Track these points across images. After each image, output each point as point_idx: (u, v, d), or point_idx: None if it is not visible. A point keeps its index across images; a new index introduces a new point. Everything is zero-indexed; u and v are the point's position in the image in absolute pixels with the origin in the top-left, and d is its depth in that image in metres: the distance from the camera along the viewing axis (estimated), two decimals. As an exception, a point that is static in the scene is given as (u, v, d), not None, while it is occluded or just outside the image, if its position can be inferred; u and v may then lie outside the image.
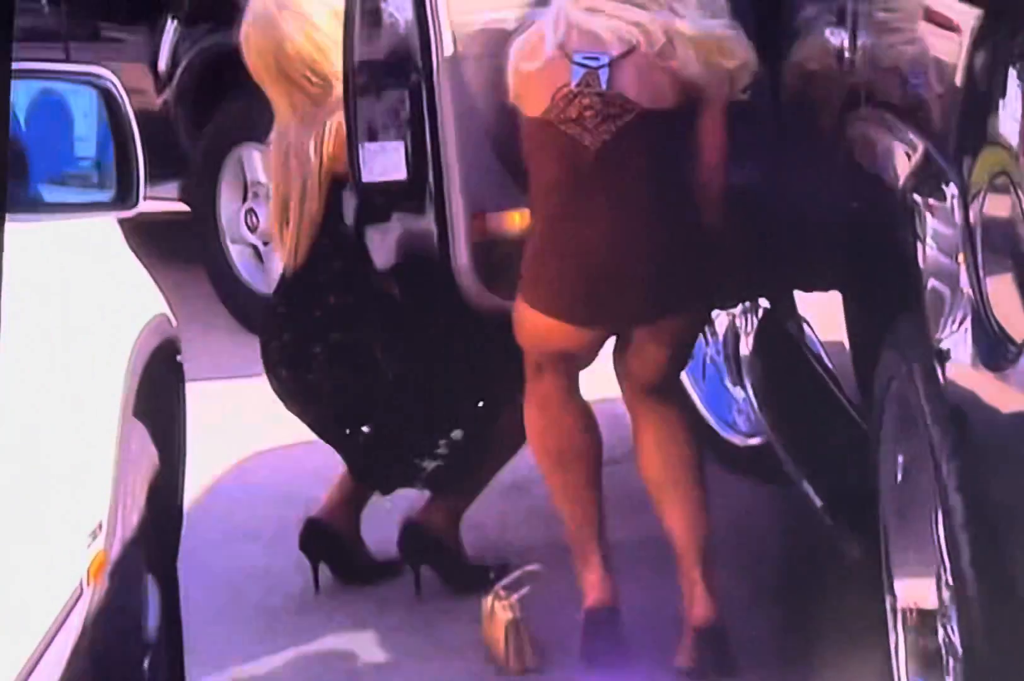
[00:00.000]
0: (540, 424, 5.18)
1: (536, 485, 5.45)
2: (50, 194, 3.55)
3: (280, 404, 6.04)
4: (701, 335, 6.60)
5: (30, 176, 3.44)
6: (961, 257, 3.88)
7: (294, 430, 6.48)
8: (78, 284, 3.91)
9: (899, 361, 3.94)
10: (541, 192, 4.82)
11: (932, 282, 4.01)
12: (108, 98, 3.39)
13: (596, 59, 4.62)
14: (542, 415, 5.18)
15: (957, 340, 3.79)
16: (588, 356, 5.04)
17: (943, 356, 3.81)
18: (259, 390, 6.24)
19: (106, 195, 3.51)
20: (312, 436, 6.17)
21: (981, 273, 3.76)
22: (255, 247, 8.30)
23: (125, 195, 3.48)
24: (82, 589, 3.53)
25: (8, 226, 2.37)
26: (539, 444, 5.23)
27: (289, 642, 5.53)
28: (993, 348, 3.73)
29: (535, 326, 4.85)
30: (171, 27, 8.46)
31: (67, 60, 8.18)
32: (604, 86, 4.67)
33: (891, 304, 4.11)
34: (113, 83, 3.46)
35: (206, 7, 8.65)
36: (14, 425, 3.44)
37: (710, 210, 4.80)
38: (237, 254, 8.40)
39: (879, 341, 4.15)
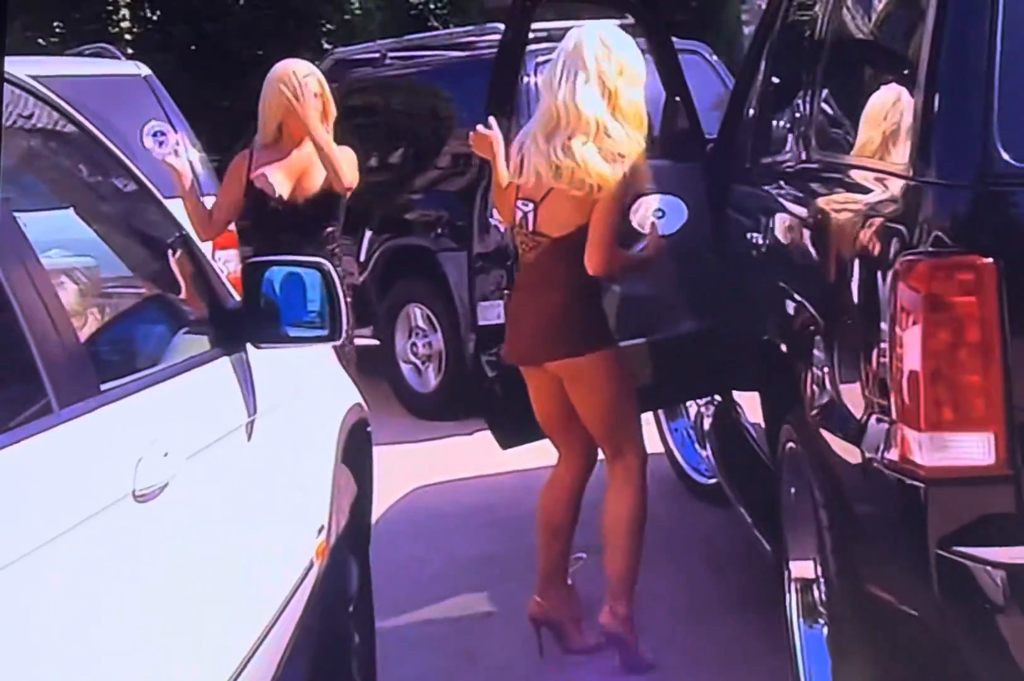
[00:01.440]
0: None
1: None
2: (292, 332, 3.43)
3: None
4: (683, 413, 6.32)
5: (281, 322, 3.38)
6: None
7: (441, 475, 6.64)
8: (314, 384, 3.96)
9: (790, 433, 3.87)
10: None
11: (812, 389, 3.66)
12: (325, 275, 3.38)
13: (527, 205, 4.38)
14: None
15: (824, 416, 3.54)
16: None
17: (816, 429, 3.57)
18: (415, 450, 6.54)
19: (323, 332, 3.43)
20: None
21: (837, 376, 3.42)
22: (416, 365, 8.41)
23: (334, 333, 3.42)
24: (312, 564, 3.62)
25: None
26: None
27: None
28: (844, 422, 3.34)
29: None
30: (368, 235, 8.35)
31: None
32: (531, 227, 4.39)
33: (785, 402, 3.89)
34: (329, 266, 3.42)
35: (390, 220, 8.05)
36: (281, 469, 3.58)
37: (606, 271, 4.35)
38: (406, 370, 8.31)
39: (782, 417, 3.94)
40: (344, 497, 3.88)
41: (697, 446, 6.21)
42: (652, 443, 6.21)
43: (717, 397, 5.63)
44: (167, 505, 2.58)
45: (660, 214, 4.72)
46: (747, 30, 14.65)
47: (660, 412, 6.33)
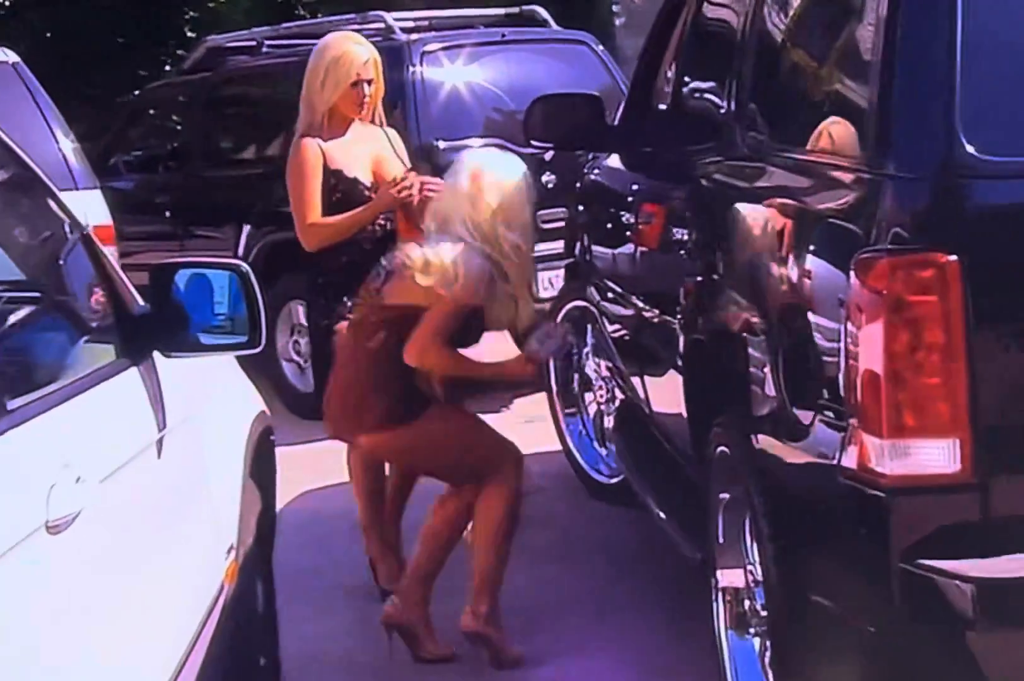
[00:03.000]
0: None
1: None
2: (205, 339, 3.20)
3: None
4: (582, 410, 6.19)
5: (191, 328, 3.15)
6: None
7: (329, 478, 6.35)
8: (220, 392, 3.80)
9: (724, 435, 3.72)
10: None
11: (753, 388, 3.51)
12: (243, 277, 3.16)
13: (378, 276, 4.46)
14: None
15: (766, 420, 3.40)
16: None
17: (756, 433, 3.44)
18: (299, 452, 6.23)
19: (242, 339, 3.21)
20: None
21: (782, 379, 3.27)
22: (299, 364, 8.19)
23: (254, 339, 3.19)
24: (223, 586, 3.47)
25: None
26: None
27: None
28: (791, 426, 3.21)
29: None
30: (247, 229, 8.17)
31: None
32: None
33: (714, 404, 3.77)
34: (247, 269, 3.20)
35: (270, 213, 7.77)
36: (192, 488, 3.42)
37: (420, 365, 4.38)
38: (288, 368, 8.25)
39: (710, 419, 3.77)
40: (251, 513, 3.70)
41: (596, 444, 6.08)
42: (550, 441, 6.21)
43: (618, 394, 5.54)
44: (80, 534, 2.37)
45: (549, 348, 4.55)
46: (618, 21, 14.58)
47: (558, 410, 6.22)
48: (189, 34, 13.98)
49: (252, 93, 9.27)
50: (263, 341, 3.17)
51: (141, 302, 3.21)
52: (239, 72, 9.18)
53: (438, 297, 4.25)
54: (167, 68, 12.65)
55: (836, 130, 3.20)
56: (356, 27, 8.47)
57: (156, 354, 3.11)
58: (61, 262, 3.18)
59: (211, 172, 8.95)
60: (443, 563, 4.48)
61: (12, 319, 2.82)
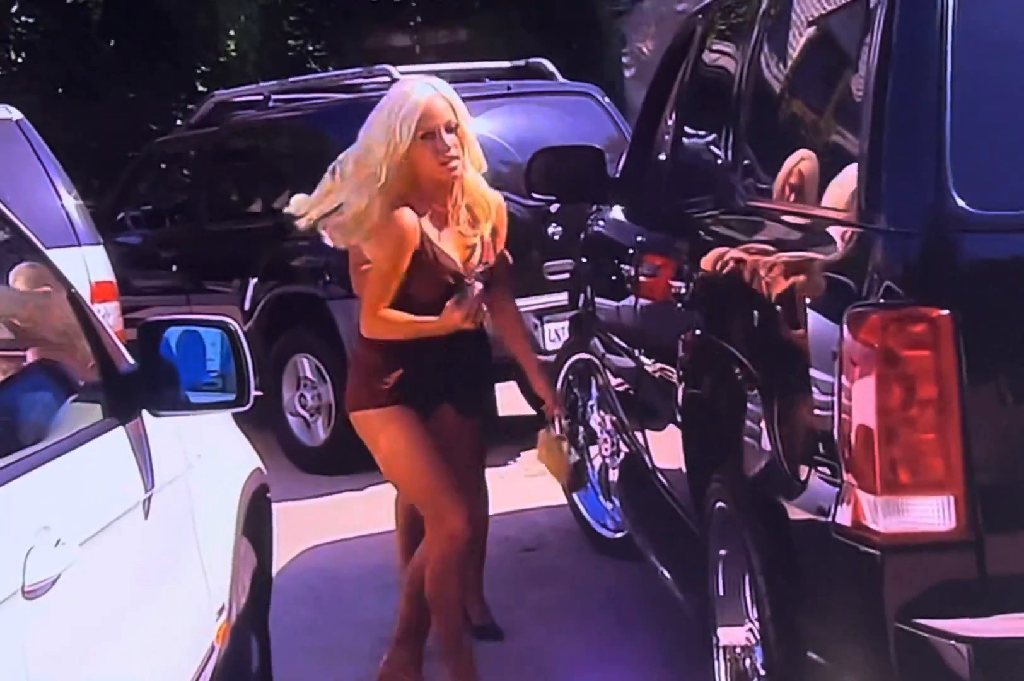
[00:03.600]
0: None
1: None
2: (194, 397, 3.19)
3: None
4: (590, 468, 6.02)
5: (181, 385, 3.15)
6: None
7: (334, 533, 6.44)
8: (212, 448, 3.78)
9: (722, 490, 3.72)
10: None
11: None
12: (231, 335, 3.17)
13: None
14: None
15: (761, 475, 3.42)
16: None
17: (752, 489, 3.49)
18: (305, 507, 6.27)
19: (230, 397, 3.21)
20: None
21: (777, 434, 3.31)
22: (304, 418, 8.13)
23: (242, 397, 3.19)
24: (213, 648, 3.44)
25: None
26: None
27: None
28: (786, 482, 3.20)
29: None
30: (252, 282, 7.94)
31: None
32: None
33: (712, 459, 3.77)
34: (235, 326, 3.21)
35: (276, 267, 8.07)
36: (181, 548, 3.40)
37: (372, 334, 4.31)
38: (293, 423, 8.18)
39: (709, 474, 3.78)
40: (244, 571, 3.69)
41: (602, 498, 6.04)
42: (556, 495, 6.17)
43: (622, 448, 5.52)
44: (59, 599, 2.34)
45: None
46: (627, 73, 14.68)
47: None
48: (200, 88, 14.05)
49: (258, 146, 9.30)
50: (251, 400, 3.15)
51: (131, 360, 3.20)
52: (246, 126, 9.23)
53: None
54: (178, 123, 12.71)
55: (830, 183, 3.20)
56: (362, 80, 8.53)
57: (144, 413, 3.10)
58: (47, 319, 3.18)
59: (217, 226, 8.98)
60: (426, 620, 4.37)
61: (-1, 378, 2.81)
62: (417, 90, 4.16)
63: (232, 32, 14.69)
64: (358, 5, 14.85)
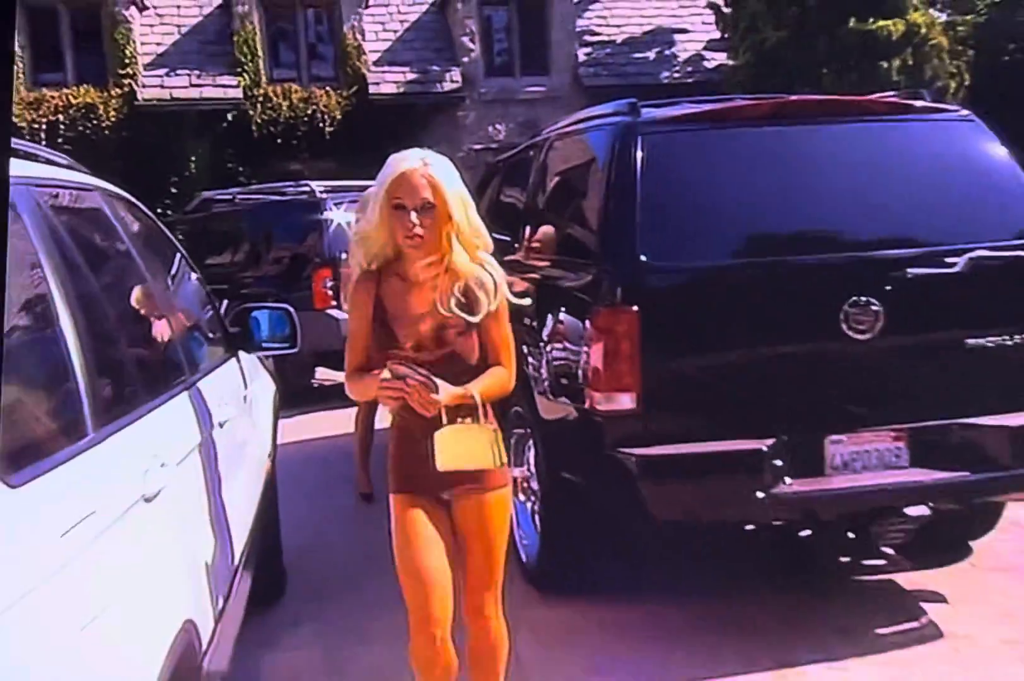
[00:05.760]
0: None
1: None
2: (265, 345, 4.12)
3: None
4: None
5: (257, 339, 4.07)
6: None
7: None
8: (263, 374, 4.32)
9: (521, 411, 4.40)
10: None
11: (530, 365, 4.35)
12: (290, 315, 4.17)
13: None
14: None
15: (542, 389, 4.35)
16: None
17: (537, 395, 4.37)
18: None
19: (287, 345, 4.10)
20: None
21: (553, 368, 4.02)
22: None
23: (293, 344, 4.11)
24: (267, 472, 4.10)
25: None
26: None
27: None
28: (556, 389, 3.96)
29: None
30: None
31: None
32: None
33: (523, 377, 4.24)
34: (292, 311, 4.18)
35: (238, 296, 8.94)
36: (258, 417, 3.91)
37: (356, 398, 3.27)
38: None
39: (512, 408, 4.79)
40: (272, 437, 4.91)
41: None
42: None
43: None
44: (170, 502, 2.31)
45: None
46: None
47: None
48: (173, 191, 14.11)
49: (229, 226, 11.62)
50: (299, 344, 4.29)
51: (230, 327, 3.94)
52: (222, 213, 9.72)
53: None
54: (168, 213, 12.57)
55: (579, 243, 4.32)
56: (290, 189, 8.83)
57: (241, 353, 3.83)
58: (198, 301, 4.44)
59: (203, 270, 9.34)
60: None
61: (182, 329, 3.51)
62: (405, 161, 3.01)
63: (193, 158, 15.57)
64: (269, 146, 15.07)
